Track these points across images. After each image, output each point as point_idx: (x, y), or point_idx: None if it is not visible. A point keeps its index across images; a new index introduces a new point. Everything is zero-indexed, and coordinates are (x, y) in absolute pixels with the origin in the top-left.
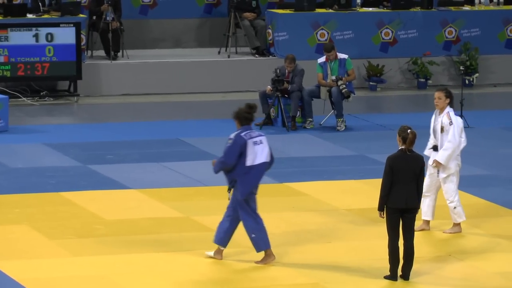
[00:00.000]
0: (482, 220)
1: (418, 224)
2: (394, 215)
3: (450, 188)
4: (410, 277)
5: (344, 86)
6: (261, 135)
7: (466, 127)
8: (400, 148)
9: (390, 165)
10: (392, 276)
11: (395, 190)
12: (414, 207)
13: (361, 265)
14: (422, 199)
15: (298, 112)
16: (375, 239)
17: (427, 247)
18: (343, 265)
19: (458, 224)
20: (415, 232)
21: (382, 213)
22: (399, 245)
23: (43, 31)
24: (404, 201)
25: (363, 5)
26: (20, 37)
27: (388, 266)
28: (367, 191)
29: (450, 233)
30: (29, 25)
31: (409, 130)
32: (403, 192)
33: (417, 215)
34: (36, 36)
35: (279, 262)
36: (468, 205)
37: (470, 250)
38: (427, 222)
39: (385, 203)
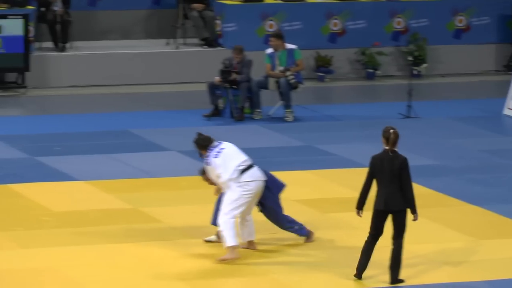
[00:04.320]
0: (430, 210)
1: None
2: (375, 216)
3: (221, 209)
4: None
5: (292, 76)
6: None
7: (415, 117)
8: (384, 148)
9: (370, 164)
10: (356, 273)
11: (377, 192)
12: (396, 209)
13: (308, 256)
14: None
15: (247, 103)
16: (323, 230)
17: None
18: (290, 255)
19: (232, 249)
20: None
21: (359, 211)
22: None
23: None
24: (383, 203)
25: None
26: None
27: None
28: (316, 182)
29: (224, 259)
30: None
31: (391, 130)
32: (382, 194)
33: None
34: None
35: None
36: (417, 195)
37: (417, 240)
38: (251, 242)
39: (362, 202)
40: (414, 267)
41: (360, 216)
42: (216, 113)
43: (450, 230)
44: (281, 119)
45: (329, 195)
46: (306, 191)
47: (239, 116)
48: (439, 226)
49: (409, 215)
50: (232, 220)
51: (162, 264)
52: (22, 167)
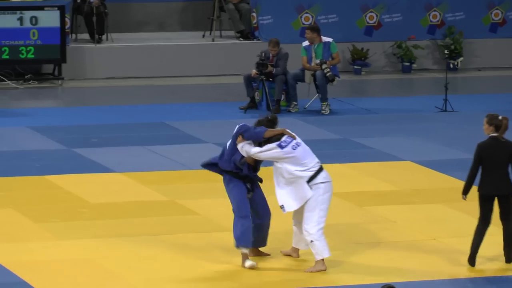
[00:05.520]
0: (466, 204)
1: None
2: (484, 202)
3: (309, 218)
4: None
5: (328, 69)
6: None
7: (451, 111)
8: (490, 135)
9: (479, 153)
10: (469, 260)
11: (486, 178)
12: (506, 193)
13: (343, 248)
14: (294, 226)
15: (283, 95)
16: (359, 223)
17: (411, 230)
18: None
19: (322, 261)
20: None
21: (465, 196)
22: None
23: (28, 14)
24: (494, 188)
25: None
26: (5, 21)
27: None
28: (352, 175)
29: (311, 271)
30: (13, 9)
31: (500, 117)
32: (492, 179)
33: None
34: (20, 19)
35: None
36: (452, 188)
37: (455, 233)
38: (297, 250)
39: (469, 187)
40: (452, 262)
41: (465, 200)
42: (253, 105)
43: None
44: (317, 112)
45: (365, 188)
46: (342, 184)
47: (276, 109)
48: (475, 220)
49: None
50: (322, 229)
51: (199, 255)
52: (59, 158)
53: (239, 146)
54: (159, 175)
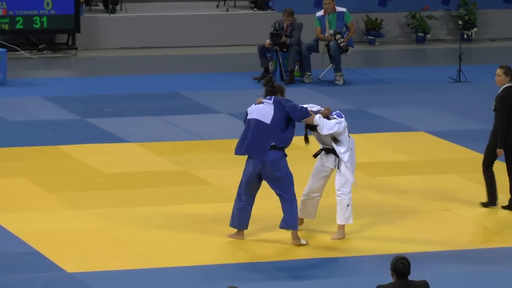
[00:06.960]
0: (480, 174)
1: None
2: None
3: (346, 182)
4: None
5: (342, 39)
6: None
7: (465, 81)
8: (506, 85)
9: (505, 102)
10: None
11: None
12: None
13: (356, 219)
14: (306, 199)
15: (297, 66)
16: (373, 193)
17: (424, 200)
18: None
19: (343, 227)
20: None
21: (503, 151)
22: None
23: None
24: None
25: None
26: None
27: None
28: (365, 145)
29: (337, 238)
30: None
31: None
32: None
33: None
34: None
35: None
36: (466, 159)
37: (468, 203)
38: (302, 219)
39: (507, 139)
40: (464, 232)
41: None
42: (266, 76)
43: (499, 195)
44: (331, 82)
45: (378, 158)
46: (355, 155)
47: (289, 79)
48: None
49: None
50: None
51: (212, 225)
52: (72, 128)
53: (317, 117)
54: (172, 145)
